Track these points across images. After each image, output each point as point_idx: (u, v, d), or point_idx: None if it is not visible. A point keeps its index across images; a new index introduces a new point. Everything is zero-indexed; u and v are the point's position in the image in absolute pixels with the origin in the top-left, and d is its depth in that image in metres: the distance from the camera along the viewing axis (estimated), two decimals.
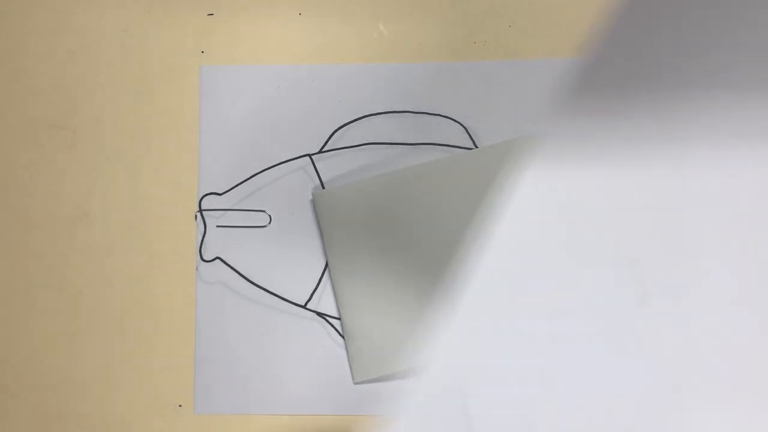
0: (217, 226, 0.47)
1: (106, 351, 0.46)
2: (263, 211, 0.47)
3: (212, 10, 0.48)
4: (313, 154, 0.47)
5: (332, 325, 0.46)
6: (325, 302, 0.46)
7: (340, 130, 0.47)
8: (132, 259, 0.47)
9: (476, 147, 0.46)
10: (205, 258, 0.46)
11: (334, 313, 0.46)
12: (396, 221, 0.45)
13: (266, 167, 0.46)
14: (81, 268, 0.47)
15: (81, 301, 0.47)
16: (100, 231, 0.47)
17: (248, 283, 0.46)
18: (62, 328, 0.47)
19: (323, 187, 0.46)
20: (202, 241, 0.46)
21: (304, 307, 0.45)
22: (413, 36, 0.47)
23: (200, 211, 0.46)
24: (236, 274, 0.46)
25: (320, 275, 0.46)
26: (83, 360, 0.46)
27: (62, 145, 0.48)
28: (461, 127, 0.46)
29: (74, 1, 0.49)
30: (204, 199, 0.47)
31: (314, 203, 0.46)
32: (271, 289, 0.46)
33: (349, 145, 0.47)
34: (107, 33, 0.48)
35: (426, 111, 0.47)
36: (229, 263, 0.46)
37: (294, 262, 0.46)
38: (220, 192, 0.47)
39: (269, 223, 0.46)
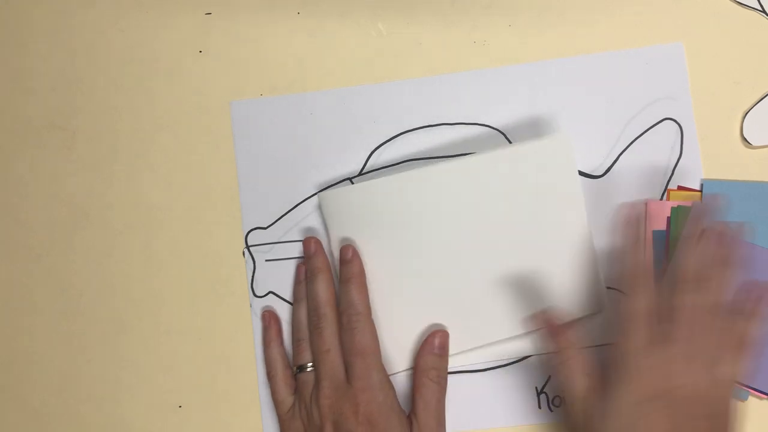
0: (266, 261, 0.46)
1: (106, 351, 0.46)
2: None
3: (210, 9, 0.48)
4: (354, 177, 0.46)
5: None
6: None
7: (378, 150, 0.46)
8: (131, 258, 0.47)
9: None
10: (257, 293, 0.46)
11: None
12: (403, 222, 0.44)
13: (309, 195, 0.46)
14: (81, 269, 0.47)
15: (81, 301, 0.47)
16: (100, 231, 0.47)
17: None
18: (62, 328, 0.47)
19: None
20: (253, 276, 0.46)
21: None
22: (412, 35, 0.47)
23: (247, 247, 0.46)
24: (290, 306, 0.46)
25: None
26: (83, 361, 0.46)
27: (62, 145, 0.48)
28: (500, 133, 0.46)
29: (74, 1, 0.48)
30: (250, 234, 0.46)
31: (320, 204, 0.45)
32: None
33: (387, 164, 0.46)
34: (106, 33, 0.48)
35: (462, 122, 0.46)
36: (281, 296, 0.46)
37: None
38: (265, 226, 0.46)
39: None
